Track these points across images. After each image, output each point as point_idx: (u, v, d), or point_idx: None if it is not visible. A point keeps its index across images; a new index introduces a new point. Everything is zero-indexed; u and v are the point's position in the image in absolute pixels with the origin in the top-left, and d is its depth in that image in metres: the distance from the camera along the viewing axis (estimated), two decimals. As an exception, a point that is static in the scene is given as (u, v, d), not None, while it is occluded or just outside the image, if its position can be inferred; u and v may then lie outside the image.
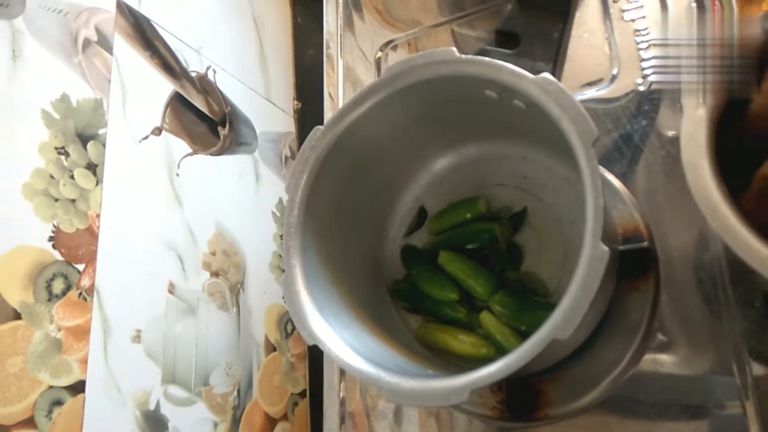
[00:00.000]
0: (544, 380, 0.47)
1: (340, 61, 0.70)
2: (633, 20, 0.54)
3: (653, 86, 0.51)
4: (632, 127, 0.51)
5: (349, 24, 0.71)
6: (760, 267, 0.35)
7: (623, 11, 0.55)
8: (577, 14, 0.55)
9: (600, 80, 0.54)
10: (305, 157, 0.41)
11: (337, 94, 0.68)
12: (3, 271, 0.38)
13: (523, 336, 0.41)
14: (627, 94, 0.53)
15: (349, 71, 0.69)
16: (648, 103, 0.51)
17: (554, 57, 0.44)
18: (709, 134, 0.37)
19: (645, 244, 0.46)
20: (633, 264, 0.46)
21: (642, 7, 0.54)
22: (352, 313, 0.42)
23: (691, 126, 0.38)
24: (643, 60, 0.53)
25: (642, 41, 0.53)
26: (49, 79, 0.44)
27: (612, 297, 0.45)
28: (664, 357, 0.46)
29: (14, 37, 0.42)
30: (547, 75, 0.34)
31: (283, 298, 0.64)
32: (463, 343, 0.45)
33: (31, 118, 0.42)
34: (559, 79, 0.49)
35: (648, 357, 0.46)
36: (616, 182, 0.49)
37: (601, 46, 0.55)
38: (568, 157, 0.34)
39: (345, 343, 0.37)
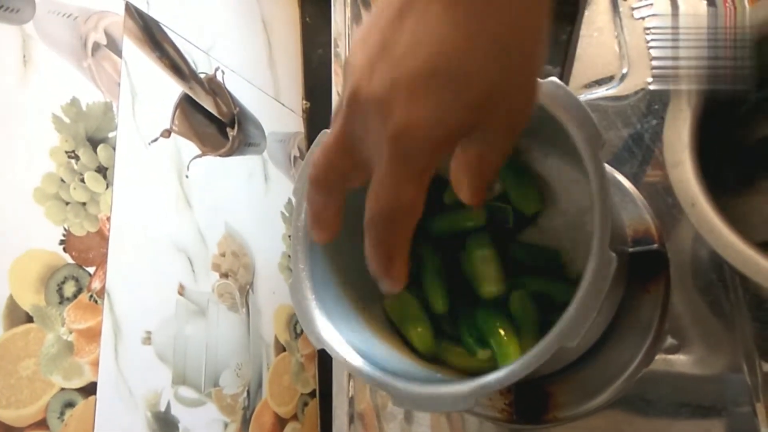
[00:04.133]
0: (553, 383, 0.47)
1: (349, 60, 0.70)
2: (643, 18, 0.54)
3: (662, 86, 0.51)
4: (642, 126, 0.51)
5: (357, 21, 0.71)
6: (736, 263, 0.35)
7: (633, 9, 0.54)
8: (587, 13, 0.54)
9: (610, 79, 0.54)
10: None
11: (345, 94, 0.68)
12: (15, 274, 0.39)
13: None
14: (637, 93, 0.52)
15: (358, 70, 0.69)
16: (658, 103, 0.51)
17: (562, 60, 0.44)
18: (692, 132, 0.37)
19: (655, 246, 0.46)
20: (643, 266, 0.46)
21: (652, 5, 0.53)
22: (359, 317, 0.42)
23: (675, 123, 0.38)
24: (653, 59, 0.52)
25: (652, 39, 0.53)
26: (59, 84, 0.44)
27: (622, 299, 0.45)
28: (674, 358, 0.46)
29: (25, 42, 0.42)
30: (554, 79, 0.34)
31: (292, 299, 0.64)
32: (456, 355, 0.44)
33: (41, 122, 0.42)
34: (567, 81, 0.49)
35: (659, 358, 0.46)
36: (627, 183, 0.49)
37: (611, 45, 0.54)
38: (578, 159, 0.34)
39: (352, 347, 0.37)
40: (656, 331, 0.45)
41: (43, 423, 0.39)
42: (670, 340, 0.46)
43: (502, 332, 0.40)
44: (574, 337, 0.29)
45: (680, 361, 0.46)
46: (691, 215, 0.36)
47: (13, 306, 0.38)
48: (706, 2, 0.50)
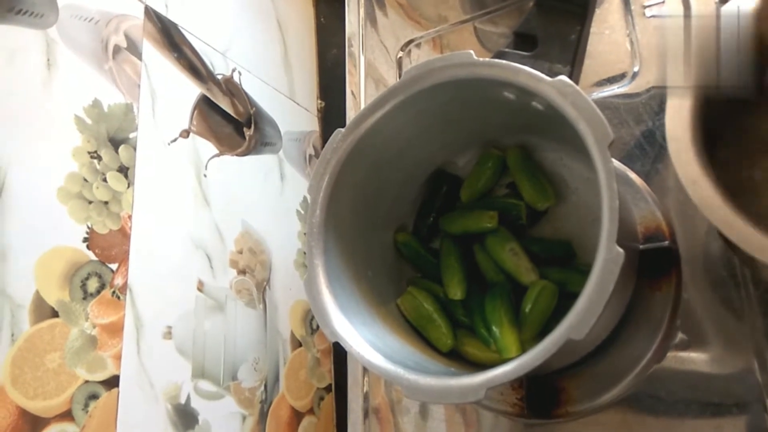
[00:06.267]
0: (565, 378, 0.47)
1: (362, 59, 0.70)
2: (654, 17, 0.54)
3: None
4: (654, 124, 0.51)
5: (371, 20, 0.71)
6: (738, 240, 0.34)
7: (645, 7, 0.54)
8: (598, 11, 0.55)
9: (622, 76, 0.54)
10: (326, 160, 0.42)
11: (359, 92, 0.69)
12: (41, 271, 0.40)
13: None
14: (648, 90, 0.52)
15: (372, 69, 0.70)
16: (670, 100, 0.51)
17: (572, 59, 0.44)
18: (694, 113, 0.36)
19: (666, 243, 0.46)
20: (654, 263, 0.46)
21: (663, 3, 0.53)
22: (373, 311, 0.43)
23: (677, 105, 0.38)
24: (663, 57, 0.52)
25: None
26: (81, 86, 0.46)
27: (633, 295, 0.45)
28: (685, 355, 0.46)
29: (48, 46, 0.44)
30: (563, 78, 0.34)
31: (308, 295, 0.65)
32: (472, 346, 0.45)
33: (65, 123, 0.44)
34: (577, 80, 0.49)
35: (669, 355, 0.46)
36: (638, 180, 0.49)
37: (622, 43, 0.55)
38: (588, 157, 0.34)
39: (366, 340, 0.38)
40: (667, 327, 0.45)
41: (68, 414, 0.40)
42: (681, 337, 0.46)
43: (502, 324, 0.41)
44: (582, 331, 0.30)
45: (691, 358, 0.46)
46: (692, 193, 0.36)
47: (39, 301, 0.40)
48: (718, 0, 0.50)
